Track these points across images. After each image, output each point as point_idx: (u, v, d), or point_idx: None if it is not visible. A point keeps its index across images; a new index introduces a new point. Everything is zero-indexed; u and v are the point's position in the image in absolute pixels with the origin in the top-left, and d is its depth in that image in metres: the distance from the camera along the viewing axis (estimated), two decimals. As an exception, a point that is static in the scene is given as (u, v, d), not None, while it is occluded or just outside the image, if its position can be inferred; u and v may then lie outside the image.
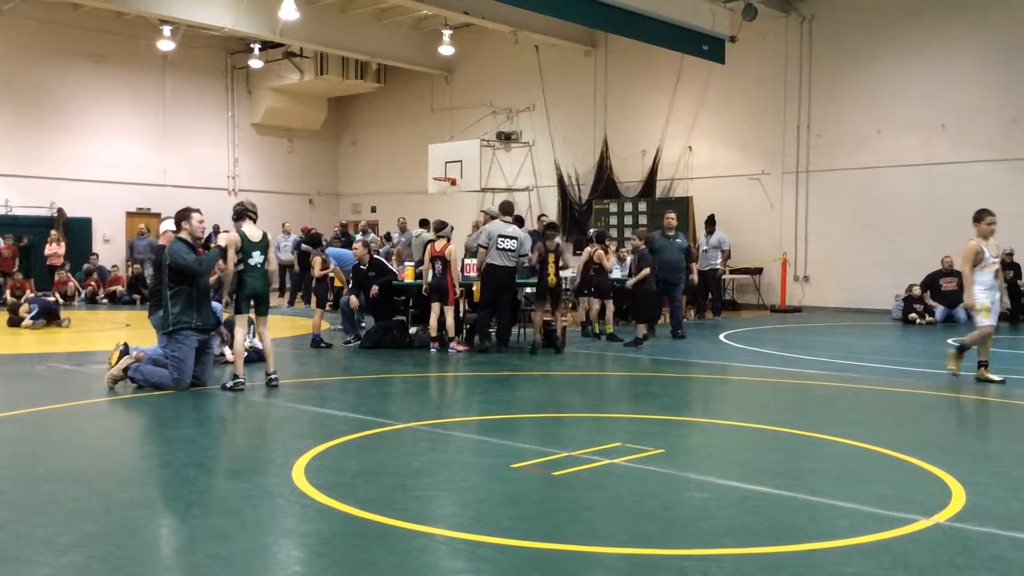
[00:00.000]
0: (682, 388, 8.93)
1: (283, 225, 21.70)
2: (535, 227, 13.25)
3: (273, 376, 8.17)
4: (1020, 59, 16.56)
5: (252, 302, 8.11)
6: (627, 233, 20.24)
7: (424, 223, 15.33)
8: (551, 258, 11.02)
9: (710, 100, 20.34)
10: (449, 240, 11.15)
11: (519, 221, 14.35)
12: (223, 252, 8.01)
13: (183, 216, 8.02)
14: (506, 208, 11.45)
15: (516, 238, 11.00)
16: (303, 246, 18.45)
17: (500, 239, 10.86)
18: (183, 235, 7.96)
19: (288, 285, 21.56)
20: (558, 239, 11.44)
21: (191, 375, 7.91)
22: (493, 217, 11.57)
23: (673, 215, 13.33)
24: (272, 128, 26.29)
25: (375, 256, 12.37)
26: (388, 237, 19.63)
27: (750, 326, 15.29)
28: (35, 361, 10.39)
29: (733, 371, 9.89)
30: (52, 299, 16.85)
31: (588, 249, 12.83)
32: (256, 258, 8.05)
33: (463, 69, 24.38)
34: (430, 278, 10.99)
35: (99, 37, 22.61)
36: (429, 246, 11.27)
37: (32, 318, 14.20)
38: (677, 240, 12.94)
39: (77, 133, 22.56)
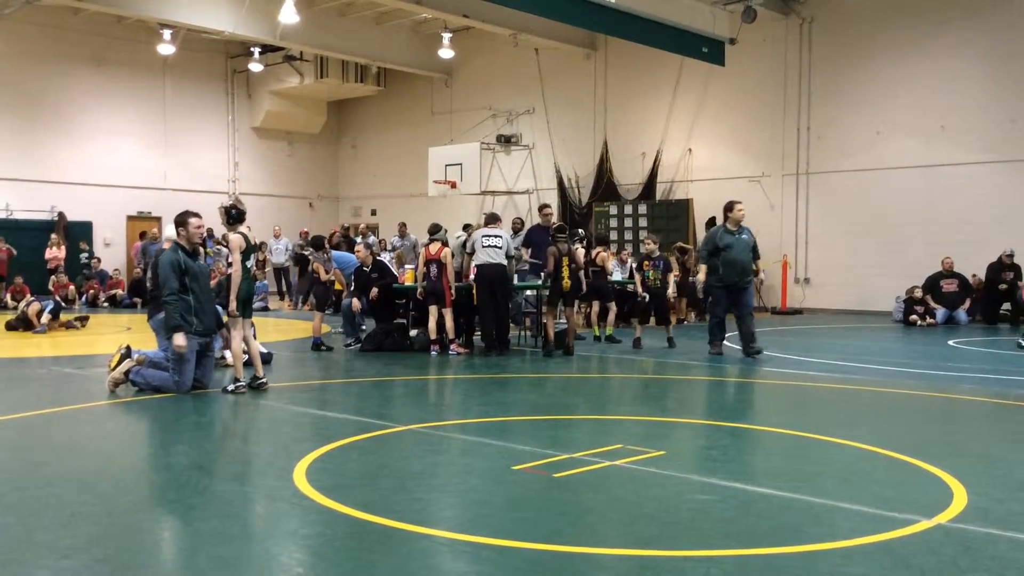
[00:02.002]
0: (683, 390, 8.93)
1: (275, 229, 21.75)
2: (538, 221, 12.99)
3: (261, 380, 8.12)
4: (1019, 60, 16.59)
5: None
6: (627, 236, 20.27)
7: (468, 227, 14.75)
8: (565, 261, 11.02)
9: (710, 102, 20.37)
10: (445, 243, 11.19)
11: (520, 222, 14.38)
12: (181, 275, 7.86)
13: (181, 221, 7.96)
14: (490, 219, 11.63)
15: (500, 236, 11.18)
16: (299, 250, 18.56)
17: (484, 238, 11.04)
18: (181, 241, 7.93)
19: (285, 288, 21.63)
20: (578, 244, 11.48)
21: (192, 378, 7.91)
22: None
23: (742, 204, 11.26)
24: (272, 131, 26.33)
25: (377, 258, 12.39)
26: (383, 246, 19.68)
27: (751, 328, 15.25)
28: (36, 364, 10.39)
29: (734, 373, 9.88)
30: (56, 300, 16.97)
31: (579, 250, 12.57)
32: (251, 261, 8.05)
33: (463, 72, 24.41)
34: (425, 281, 11.02)
35: (100, 41, 22.66)
36: (424, 249, 11.33)
37: (50, 312, 14.34)
38: (743, 236, 10.98)
39: (78, 137, 22.59)
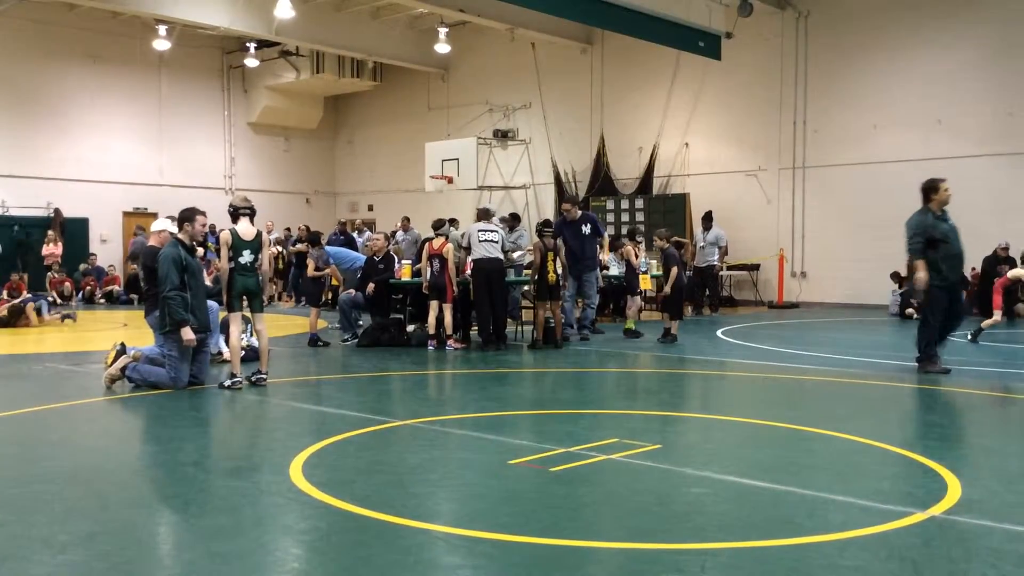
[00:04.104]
0: (679, 384, 8.94)
1: (267, 224, 21.68)
2: (561, 216, 12.90)
3: (262, 376, 8.14)
4: (1016, 54, 16.59)
5: (245, 300, 8.11)
6: (623, 230, 20.25)
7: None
8: (550, 256, 11.14)
9: (706, 96, 20.36)
10: (447, 238, 11.20)
11: (515, 218, 14.40)
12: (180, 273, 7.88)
13: (187, 217, 7.95)
14: (482, 215, 11.65)
15: (496, 231, 11.22)
16: (296, 244, 18.61)
17: (480, 232, 11.05)
18: (183, 236, 7.93)
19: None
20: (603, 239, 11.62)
21: (188, 374, 7.92)
22: (492, 214, 12.00)
23: (947, 182, 9.01)
24: (268, 127, 26.28)
25: (389, 250, 12.40)
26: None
27: (747, 322, 15.31)
28: (32, 361, 10.38)
29: (730, 367, 9.90)
30: (50, 299, 17.07)
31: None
32: (246, 257, 8.01)
33: (459, 67, 24.38)
34: (428, 276, 11.03)
35: (95, 37, 22.59)
36: (427, 244, 11.34)
37: (36, 310, 14.52)
38: (951, 222, 8.89)
39: (73, 133, 22.55)
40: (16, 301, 15.25)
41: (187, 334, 7.69)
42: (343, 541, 3.87)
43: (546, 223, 11.81)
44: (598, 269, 12.46)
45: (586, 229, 12.26)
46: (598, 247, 12.66)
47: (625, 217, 20.56)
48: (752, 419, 6.73)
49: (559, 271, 11.36)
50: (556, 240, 11.42)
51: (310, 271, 12.24)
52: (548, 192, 22.76)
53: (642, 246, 14.36)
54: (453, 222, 13.51)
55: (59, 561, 3.61)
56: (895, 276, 16.85)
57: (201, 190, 23.53)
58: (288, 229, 22.52)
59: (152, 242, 8.55)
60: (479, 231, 11.06)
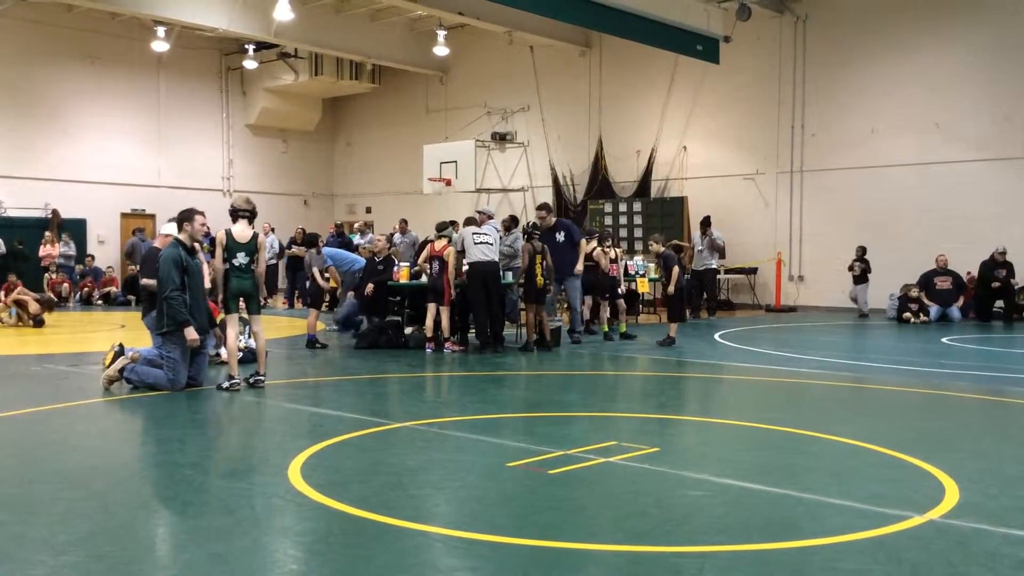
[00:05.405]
0: (677, 387, 8.95)
1: (264, 226, 21.62)
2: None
3: (260, 377, 8.13)
4: (1013, 58, 16.63)
5: (242, 302, 8.11)
6: (622, 233, 20.29)
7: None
8: (538, 259, 11.17)
9: (704, 100, 20.38)
10: (450, 240, 11.20)
11: (513, 220, 14.40)
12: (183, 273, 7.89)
13: (186, 217, 7.96)
14: (470, 221, 11.65)
15: (489, 233, 11.23)
16: (291, 248, 18.59)
17: (474, 235, 11.03)
18: (183, 237, 7.93)
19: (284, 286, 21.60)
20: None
21: (186, 376, 7.91)
22: (489, 216, 11.93)
23: None
24: (267, 129, 26.26)
25: (389, 252, 12.39)
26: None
27: (745, 326, 15.32)
28: (31, 362, 10.37)
29: (728, 370, 9.91)
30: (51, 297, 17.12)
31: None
32: (240, 259, 7.99)
33: (458, 70, 24.40)
34: (426, 277, 11.04)
35: (93, 38, 22.57)
36: (429, 245, 11.34)
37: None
38: None
39: (71, 134, 22.51)
40: (36, 296, 15.31)
41: (191, 334, 7.70)
42: (341, 542, 3.87)
43: (534, 226, 11.83)
44: (578, 276, 12.29)
45: (559, 237, 12.26)
46: (579, 253, 12.47)
47: (623, 220, 20.58)
48: (750, 422, 6.74)
49: (546, 274, 11.36)
50: (544, 243, 11.43)
51: (318, 278, 12.03)
52: (546, 195, 22.70)
53: (612, 251, 14.29)
54: (453, 224, 13.50)
55: (59, 562, 3.60)
56: (860, 251, 17.32)
57: (199, 192, 23.46)
58: (273, 230, 22.29)
59: (157, 245, 8.58)
60: (472, 234, 11.06)
